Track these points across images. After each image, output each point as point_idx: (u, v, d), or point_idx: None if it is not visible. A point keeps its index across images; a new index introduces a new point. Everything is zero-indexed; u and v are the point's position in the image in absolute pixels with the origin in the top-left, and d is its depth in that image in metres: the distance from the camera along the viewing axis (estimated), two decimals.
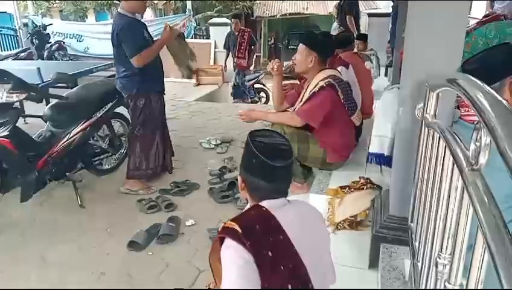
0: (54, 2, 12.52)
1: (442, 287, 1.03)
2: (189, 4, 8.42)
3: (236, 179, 1.70)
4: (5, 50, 8.05)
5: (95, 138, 3.29)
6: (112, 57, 3.10)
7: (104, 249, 2.49)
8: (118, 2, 12.45)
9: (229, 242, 1.07)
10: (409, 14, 1.73)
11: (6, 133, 2.50)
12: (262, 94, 9.40)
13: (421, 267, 1.29)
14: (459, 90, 1.04)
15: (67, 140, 2.95)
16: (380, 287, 1.66)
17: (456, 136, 1.06)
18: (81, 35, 8.83)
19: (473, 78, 1.03)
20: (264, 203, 1.16)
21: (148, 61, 2.88)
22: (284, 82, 3.01)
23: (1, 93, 2.46)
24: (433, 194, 1.27)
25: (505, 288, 0.47)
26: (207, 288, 1.47)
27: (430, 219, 1.28)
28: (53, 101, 3.16)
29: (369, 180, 2.32)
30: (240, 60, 6.91)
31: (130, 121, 3.18)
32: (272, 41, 14.77)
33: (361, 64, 3.80)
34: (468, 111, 1.61)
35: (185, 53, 3.42)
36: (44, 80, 3.72)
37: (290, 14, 12.42)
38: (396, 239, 1.81)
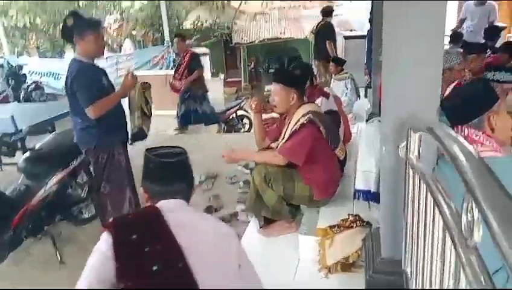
0: (30, 39, 12.41)
1: None
2: (167, 36, 8.44)
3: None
4: None
5: (73, 187, 3.17)
6: None
7: None
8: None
9: (102, 238, 1.13)
10: (385, 53, 1.71)
11: None
12: (245, 121, 9.40)
13: None
14: (437, 140, 1.03)
15: (44, 192, 2.83)
16: None
17: (443, 194, 1.02)
18: (59, 73, 8.72)
19: (449, 131, 1.04)
20: (158, 204, 1.23)
21: (105, 111, 2.59)
22: (264, 116, 2.97)
23: None
24: (426, 240, 1.21)
25: None
26: None
27: (425, 266, 1.22)
28: (27, 153, 3.05)
29: (358, 217, 2.26)
30: (174, 81, 6.21)
31: (94, 177, 2.87)
32: (252, 65, 14.89)
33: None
34: None
35: (143, 100, 2.94)
36: (18, 129, 3.60)
37: (268, 39, 12.58)
38: (391, 283, 1.75)
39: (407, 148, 1.47)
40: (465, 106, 1.47)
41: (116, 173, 2.76)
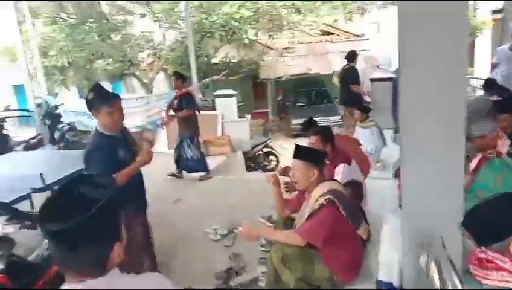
0: (67, 73, 13.00)
1: None
2: (194, 77, 8.67)
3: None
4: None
5: None
6: None
7: None
8: (128, 72, 13.07)
9: None
10: (403, 162, 1.66)
11: (1, 267, 2.44)
12: (272, 158, 9.38)
13: None
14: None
15: None
16: None
17: None
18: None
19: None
20: None
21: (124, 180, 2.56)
22: (285, 179, 2.94)
23: None
24: None
25: None
26: None
27: None
28: None
29: None
30: (165, 114, 6.20)
31: None
32: (280, 97, 15.02)
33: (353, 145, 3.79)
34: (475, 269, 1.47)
35: None
36: (46, 185, 3.70)
37: (295, 75, 12.69)
38: None
39: (427, 264, 1.40)
40: (488, 225, 1.37)
41: (133, 245, 2.67)
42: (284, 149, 10.66)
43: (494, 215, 1.41)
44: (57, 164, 4.47)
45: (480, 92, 6.62)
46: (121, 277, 1.19)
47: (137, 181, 2.82)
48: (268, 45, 12.95)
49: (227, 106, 8.02)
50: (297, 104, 13.66)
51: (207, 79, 12.60)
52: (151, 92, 12.86)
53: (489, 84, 5.43)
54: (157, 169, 5.75)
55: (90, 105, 2.70)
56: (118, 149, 2.69)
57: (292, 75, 12.62)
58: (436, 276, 1.36)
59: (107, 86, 15.71)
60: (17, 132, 8.59)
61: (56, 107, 8.31)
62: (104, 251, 1.11)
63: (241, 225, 4.44)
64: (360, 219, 2.54)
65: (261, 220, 4.48)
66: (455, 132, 1.50)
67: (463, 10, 1.50)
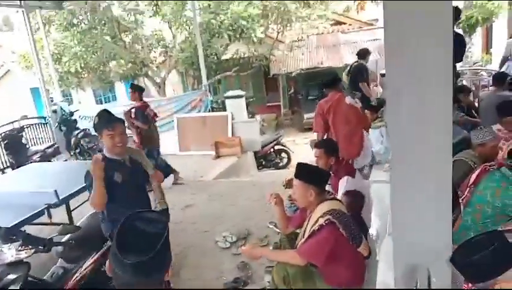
0: (82, 76, 13.18)
1: None
2: (204, 80, 8.72)
3: None
4: (37, 140, 8.54)
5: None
6: None
7: None
8: (140, 73, 13.19)
9: None
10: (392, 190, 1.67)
11: (18, 288, 2.57)
12: (284, 155, 9.37)
13: None
14: None
15: (80, 274, 3.00)
16: None
17: None
18: None
19: None
20: None
21: (97, 201, 2.71)
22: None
23: (11, 251, 2.55)
24: None
25: None
26: None
27: None
28: (65, 237, 3.24)
29: None
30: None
31: None
32: (292, 90, 14.92)
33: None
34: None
35: None
36: (60, 199, 3.80)
37: (306, 69, 12.55)
38: None
39: None
40: (478, 265, 1.39)
41: None
42: (296, 145, 10.64)
43: (480, 255, 1.42)
44: (71, 177, 4.61)
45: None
46: None
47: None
48: (278, 39, 12.84)
49: (236, 106, 8.06)
50: (309, 97, 13.55)
51: (218, 76, 12.66)
52: (164, 92, 12.99)
53: (500, 78, 5.28)
54: None
55: (96, 129, 2.93)
56: (114, 173, 2.80)
57: (302, 69, 12.49)
58: None
59: (121, 87, 15.96)
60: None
61: (71, 113, 8.49)
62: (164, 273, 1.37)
63: (250, 230, 4.55)
64: (361, 237, 2.56)
65: (269, 226, 4.54)
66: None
67: None
